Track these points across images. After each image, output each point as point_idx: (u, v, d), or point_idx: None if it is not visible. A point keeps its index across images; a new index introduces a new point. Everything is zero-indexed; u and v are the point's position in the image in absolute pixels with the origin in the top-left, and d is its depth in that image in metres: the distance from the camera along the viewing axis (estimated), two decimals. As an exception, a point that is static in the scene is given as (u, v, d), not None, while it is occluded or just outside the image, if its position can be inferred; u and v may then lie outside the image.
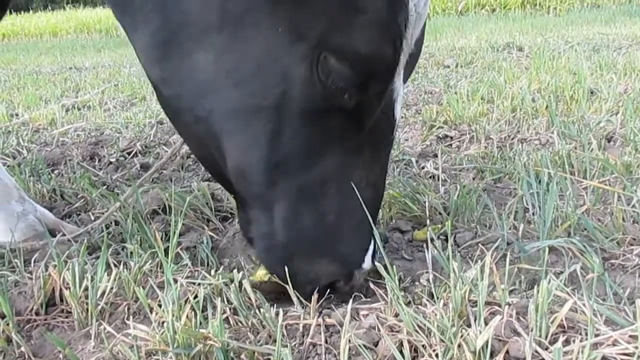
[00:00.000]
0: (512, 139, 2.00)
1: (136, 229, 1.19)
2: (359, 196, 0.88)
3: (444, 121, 2.23)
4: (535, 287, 0.82)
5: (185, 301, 0.89)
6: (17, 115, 3.18)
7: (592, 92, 2.59)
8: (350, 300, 0.88)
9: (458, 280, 0.81)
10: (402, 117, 2.48)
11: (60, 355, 0.90)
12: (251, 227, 0.94)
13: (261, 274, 0.98)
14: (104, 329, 0.90)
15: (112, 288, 1.00)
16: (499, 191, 1.50)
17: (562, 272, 0.95)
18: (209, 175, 1.67)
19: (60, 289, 1.00)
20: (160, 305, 0.88)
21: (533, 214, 1.24)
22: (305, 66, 0.80)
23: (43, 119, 2.95)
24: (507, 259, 1.03)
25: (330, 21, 0.78)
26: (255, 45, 0.81)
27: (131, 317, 0.96)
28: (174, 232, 1.03)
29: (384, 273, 0.84)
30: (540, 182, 1.33)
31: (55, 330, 0.98)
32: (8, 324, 0.92)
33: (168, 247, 1.16)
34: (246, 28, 0.80)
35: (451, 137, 2.10)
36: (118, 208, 1.29)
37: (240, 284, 0.92)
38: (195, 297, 0.91)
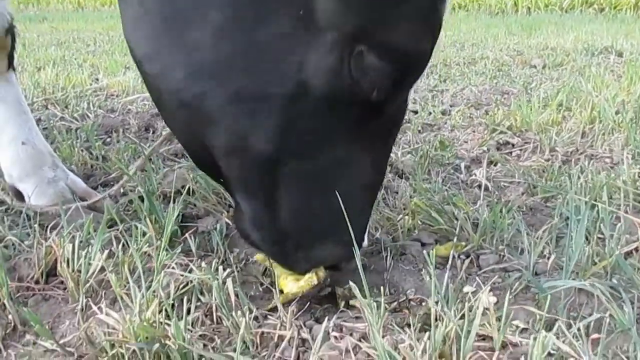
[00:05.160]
0: (581, 153, 1.81)
1: (149, 209, 1.18)
2: (363, 180, 0.84)
3: (508, 126, 2.07)
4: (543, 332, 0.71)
5: (167, 293, 0.86)
6: (97, 80, 3.33)
7: (690, 110, 2.30)
8: (334, 317, 0.81)
9: (445, 314, 0.72)
10: (468, 117, 2.34)
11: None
12: (246, 219, 0.87)
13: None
14: (88, 307, 0.90)
15: (109, 266, 0.99)
16: (547, 212, 1.35)
17: (586, 318, 0.83)
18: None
19: (60, 261, 1.01)
20: (128, 295, 0.86)
21: (575, 243, 1.10)
22: (333, 58, 0.72)
23: (118, 86, 3.06)
24: (527, 293, 0.92)
25: (371, 12, 0.70)
26: (266, 29, 0.73)
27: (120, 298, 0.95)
28: (172, 215, 1.00)
29: (359, 296, 0.76)
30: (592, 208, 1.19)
31: (51, 300, 0.98)
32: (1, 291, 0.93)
33: (176, 229, 1.15)
34: (254, 8, 0.72)
35: (512, 145, 1.94)
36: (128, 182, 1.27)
37: (224, 282, 0.88)
38: (175, 289, 0.88)
